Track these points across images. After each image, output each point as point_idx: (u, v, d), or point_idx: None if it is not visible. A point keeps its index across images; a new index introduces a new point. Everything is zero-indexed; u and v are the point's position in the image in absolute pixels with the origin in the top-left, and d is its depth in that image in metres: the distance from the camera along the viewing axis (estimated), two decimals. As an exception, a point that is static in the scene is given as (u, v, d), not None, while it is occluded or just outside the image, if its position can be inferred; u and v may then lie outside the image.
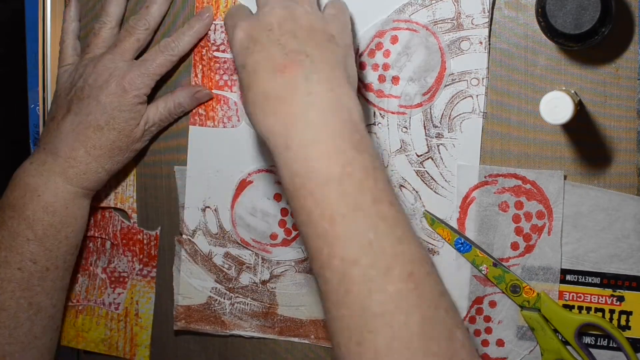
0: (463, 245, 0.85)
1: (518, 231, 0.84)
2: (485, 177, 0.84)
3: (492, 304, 0.86)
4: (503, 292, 0.85)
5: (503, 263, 0.85)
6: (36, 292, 0.88)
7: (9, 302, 0.87)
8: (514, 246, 0.84)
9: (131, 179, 0.96)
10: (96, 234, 0.97)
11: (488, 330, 0.86)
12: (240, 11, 0.79)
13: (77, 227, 0.91)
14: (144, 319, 0.98)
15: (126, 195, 0.96)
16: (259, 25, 0.75)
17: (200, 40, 0.92)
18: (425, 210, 0.87)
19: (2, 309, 0.87)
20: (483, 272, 0.85)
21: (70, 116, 0.88)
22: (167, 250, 0.96)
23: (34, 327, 0.89)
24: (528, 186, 0.83)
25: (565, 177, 0.83)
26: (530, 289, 0.84)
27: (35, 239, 0.88)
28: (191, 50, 0.92)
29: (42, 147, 0.90)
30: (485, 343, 0.87)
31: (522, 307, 0.85)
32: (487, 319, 0.86)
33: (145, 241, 0.96)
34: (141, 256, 0.97)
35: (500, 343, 0.86)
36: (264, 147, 0.91)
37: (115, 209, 0.97)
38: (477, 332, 0.87)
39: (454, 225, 0.86)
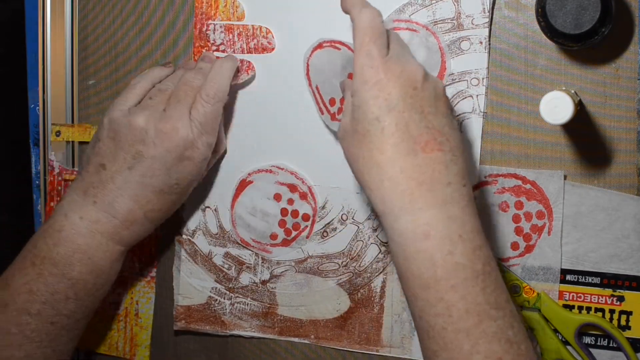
0: (463, 245, 0.85)
1: (518, 231, 0.84)
2: (485, 177, 0.84)
3: (492, 304, 0.86)
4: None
5: (503, 263, 0.85)
6: (63, 342, 0.86)
7: (35, 350, 0.84)
8: (514, 246, 0.84)
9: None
10: None
11: (488, 330, 0.86)
12: (380, 40, 0.72)
13: (113, 279, 0.88)
14: (144, 319, 0.98)
15: None
16: (404, 77, 0.71)
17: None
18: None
19: (27, 356, 0.83)
20: (483, 272, 0.85)
21: (129, 173, 0.83)
22: (167, 250, 0.96)
23: None
24: (528, 186, 0.83)
25: (565, 177, 0.83)
26: (530, 289, 0.84)
27: (75, 298, 0.84)
28: (190, 48, 0.92)
29: (91, 199, 0.83)
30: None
31: (522, 307, 0.85)
32: (487, 319, 0.86)
33: (145, 241, 0.96)
34: (141, 256, 0.97)
35: (500, 343, 0.86)
36: (263, 146, 0.91)
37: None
38: (477, 332, 0.87)
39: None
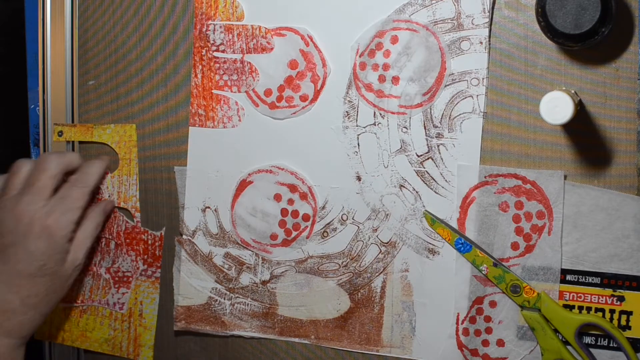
0: (463, 245, 0.85)
1: (518, 231, 0.84)
2: (485, 177, 0.84)
3: (493, 304, 0.86)
4: (503, 292, 0.85)
5: (503, 263, 0.85)
6: None
7: None
8: (514, 246, 0.84)
9: (134, 179, 0.96)
10: (101, 235, 0.97)
11: (488, 330, 0.87)
12: None
13: None
14: (147, 319, 0.98)
15: (129, 194, 0.96)
16: None
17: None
18: (426, 210, 0.87)
19: None
20: (483, 272, 0.85)
21: (0, 264, 0.85)
22: (168, 251, 0.96)
23: None
24: (528, 186, 0.83)
25: (565, 177, 0.83)
26: (531, 289, 0.84)
27: None
28: (191, 53, 0.92)
29: None
30: (485, 343, 0.87)
31: (522, 307, 0.85)
32: (488, 319, 0.86)
33: (149, 241, 0.96)
34: (145, 256, 0.97)
35: (500, 343, 0.86)
36: (263, 146, 0.91)
37: (120, 208, 0.97)
38: (478, 332, 0.87)
39: (454, 225, 0.86)
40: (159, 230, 0.96)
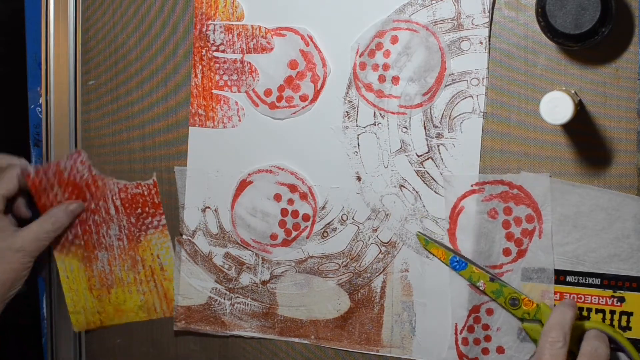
0: (459, 263, 0.85)
1: (509, 237, 0.84)
2: (472, 185, 0.84)
3: (489, 311, 0.86)
4: (502, 307, 0.84)
5: (497, 270, 0.84)
6: None
7: None
8: (506, 252, 0.84)
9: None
10: (98, 205, 0.97)
11: (487, 338, 0.86)
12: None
13: None
14: (169, 271, 0.97)
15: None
16: None
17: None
18: (418, 231, 0.87)
19: None
20: (481, 287, 0.84)
21: None
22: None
23: None
24: (515, 191, 0.83)
25: (550, 177, 0.82)
26: (529, 301, 0.83)
27: None
28: (191, 53, 0.92)
29: None
30: (485, 351, 0.86)
31: (522, 319, 0.84)
32: (486, 327, 0.86)
33: (145, 192, 0.96)
34: (146, 208, 0.97)
35: (500, 350, 0.86)
36: (263, 146, 0.91)
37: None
38: (477, 341, 0.86)
39: (445, 235, 0.86)
40: (149, 179, 0.96)
